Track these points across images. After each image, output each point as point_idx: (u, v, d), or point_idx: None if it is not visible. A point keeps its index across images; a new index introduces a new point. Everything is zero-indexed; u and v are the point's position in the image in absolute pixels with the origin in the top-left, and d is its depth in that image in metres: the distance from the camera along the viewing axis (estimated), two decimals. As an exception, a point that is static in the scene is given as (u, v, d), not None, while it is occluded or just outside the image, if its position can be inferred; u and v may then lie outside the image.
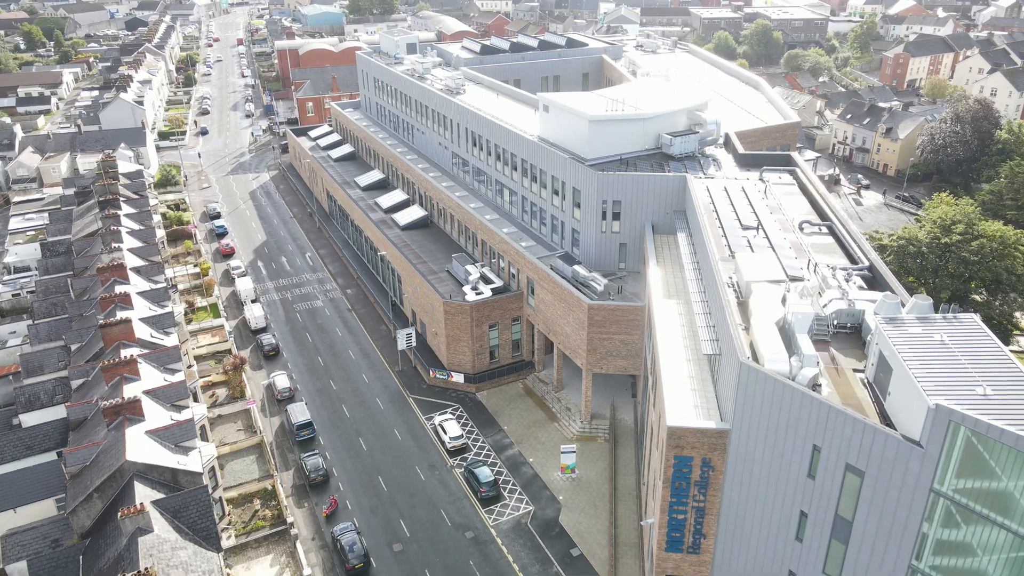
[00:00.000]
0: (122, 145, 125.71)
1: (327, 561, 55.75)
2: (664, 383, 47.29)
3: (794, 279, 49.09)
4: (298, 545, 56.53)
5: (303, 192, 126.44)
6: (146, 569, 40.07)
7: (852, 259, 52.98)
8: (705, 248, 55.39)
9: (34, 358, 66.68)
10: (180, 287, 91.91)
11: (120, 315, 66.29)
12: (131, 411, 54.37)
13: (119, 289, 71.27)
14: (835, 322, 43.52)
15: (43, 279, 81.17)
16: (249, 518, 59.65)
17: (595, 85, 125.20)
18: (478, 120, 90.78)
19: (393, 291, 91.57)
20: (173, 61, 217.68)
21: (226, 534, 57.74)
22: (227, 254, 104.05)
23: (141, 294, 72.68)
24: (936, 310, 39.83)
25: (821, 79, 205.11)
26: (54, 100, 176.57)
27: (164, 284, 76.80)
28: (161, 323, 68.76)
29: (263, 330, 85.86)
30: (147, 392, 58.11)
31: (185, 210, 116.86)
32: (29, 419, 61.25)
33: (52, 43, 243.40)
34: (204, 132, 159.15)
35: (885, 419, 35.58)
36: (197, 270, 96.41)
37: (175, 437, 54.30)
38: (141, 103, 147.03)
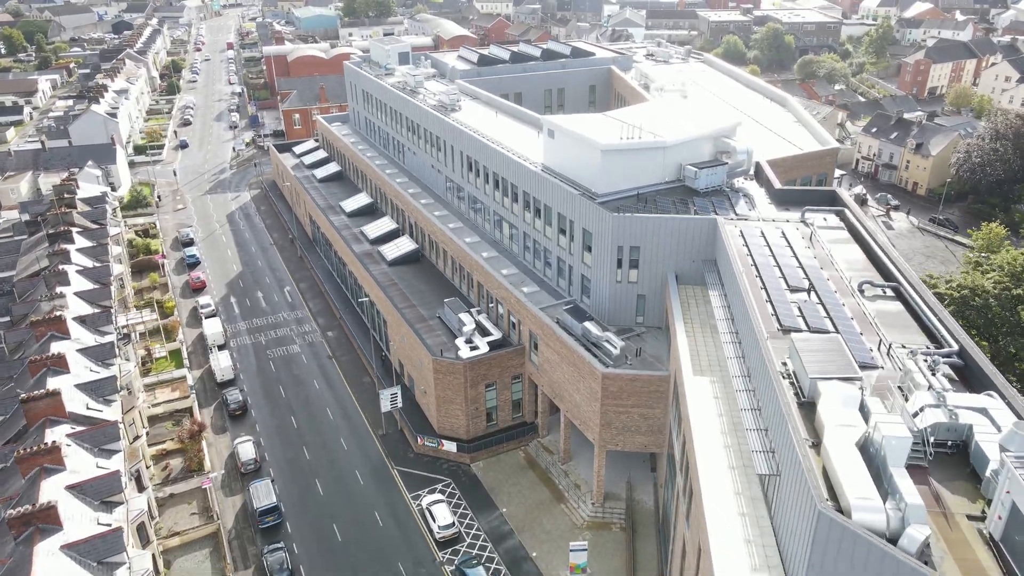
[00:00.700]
0: (89, 163, 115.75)
1: None
2: (706, 509, 37.23)
3: (865, 367, 39.08)
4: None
5: (285, 214, 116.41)
6: None
7: (931, 335, 42.96)
8: (746, 314, 45.38)
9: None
10: (142, 328, 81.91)
11: (51, 383, 56.38)
12: (45, 519, 44.39)
13: (55, 348, 61.31)
14: (932, 439, 33.53)
15: (-24, 328, 71.32)
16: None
17: (602, 99, 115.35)
18: (474, 143, 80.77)
19: (379, 334, 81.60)
20: (157, 67, 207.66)
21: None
22: (197, 288, 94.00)
23: (83, 351, 62.70)
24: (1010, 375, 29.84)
25: (837, 87, 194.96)
26: (27, 110, 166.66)
27: (113, 336, 66.80)
28: (101, 389, 58.76)
29: (231, 383, 75.83)
30: (71, 487, 48.17)
31: (155, 236, 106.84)
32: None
33: (34, 47, 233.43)
34: (184, 145, 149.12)
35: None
36: (158, 315, 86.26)
37: (98, 552, 44.31)
38: (115, 115, 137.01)
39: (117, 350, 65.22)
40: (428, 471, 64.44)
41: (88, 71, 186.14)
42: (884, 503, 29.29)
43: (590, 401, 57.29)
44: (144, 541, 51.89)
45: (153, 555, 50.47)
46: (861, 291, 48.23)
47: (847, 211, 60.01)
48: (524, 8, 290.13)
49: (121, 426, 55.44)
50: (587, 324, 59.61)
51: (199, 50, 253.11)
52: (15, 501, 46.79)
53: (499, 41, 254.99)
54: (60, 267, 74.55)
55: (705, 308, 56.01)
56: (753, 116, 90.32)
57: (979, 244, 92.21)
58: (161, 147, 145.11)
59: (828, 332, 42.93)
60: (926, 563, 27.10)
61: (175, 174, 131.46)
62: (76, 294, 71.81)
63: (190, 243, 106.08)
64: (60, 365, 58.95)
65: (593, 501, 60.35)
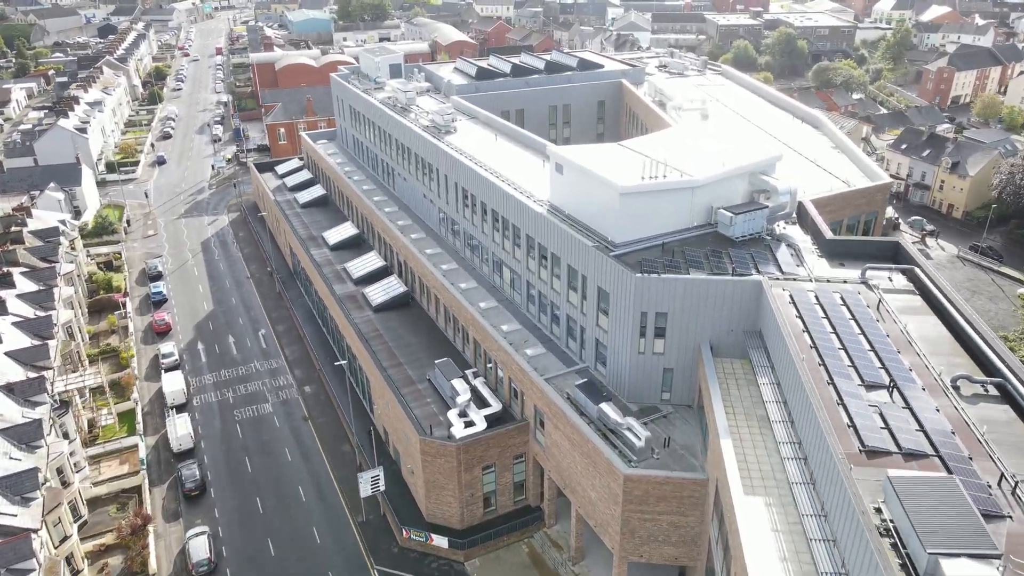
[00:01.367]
0: (52, 185, 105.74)
1: None
2: None
3: (989, 516, 29.11)
4: None
5: (266, 242, 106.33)
6: None
7: (1060, 460, 32.99)
8: (814, 425, 35.51)
9: None
10: (93, 382, 71.77)
11: (-47, 483, 46.40)
12: None
13: (-33, 431, 51.30)
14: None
15: None
16: None
17: (612, 115, 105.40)
18: (470, 174, 70.77)
19: (362, 391, 71.62)
20: (140, 75, 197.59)
21: None
22: (161, 332, 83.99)
23: (4, 432, 52.72)
24: None
25: (856, 96, 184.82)
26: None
27: (46, 408, 56.81)
28: (19, 486, 48.77)
29: (189, 453, 65.80)
30: (-42, 636, 38.21)
31: (119, 268, 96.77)
32: None
33: (14, 53, 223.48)
34: (161, 162, 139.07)
35: None
36: (110, 369, 76.21)
37: None
38: (85, 130, 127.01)
39: (49, 426, 55.23)
40: (415, 570, 54.42)
41: (66, 79, 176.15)
42: None
43: (608, 503, 47.26)
44: None
45: None
46: (956, 388, 38.23)
47: (918, 269, 49.97)
48: (525, 11, 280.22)
49: (37, 539, 45.39)
50: (604, 407, 49.56)
51: (187, 55, 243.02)
52: None
53: (499, 46, 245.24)
54: (-8, 320, 64.61)
55: (749, 390, 46.03)
56: (783, 140, 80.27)
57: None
58: (136, 164, 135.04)
59: (926, 456, 32.99)
60: None
61: (147, 196, 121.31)
62: (8, 354, 61.83)
63: (158, 277, 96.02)
64: (-31, 456, 49.03)
65: (611, 618, 50.42)
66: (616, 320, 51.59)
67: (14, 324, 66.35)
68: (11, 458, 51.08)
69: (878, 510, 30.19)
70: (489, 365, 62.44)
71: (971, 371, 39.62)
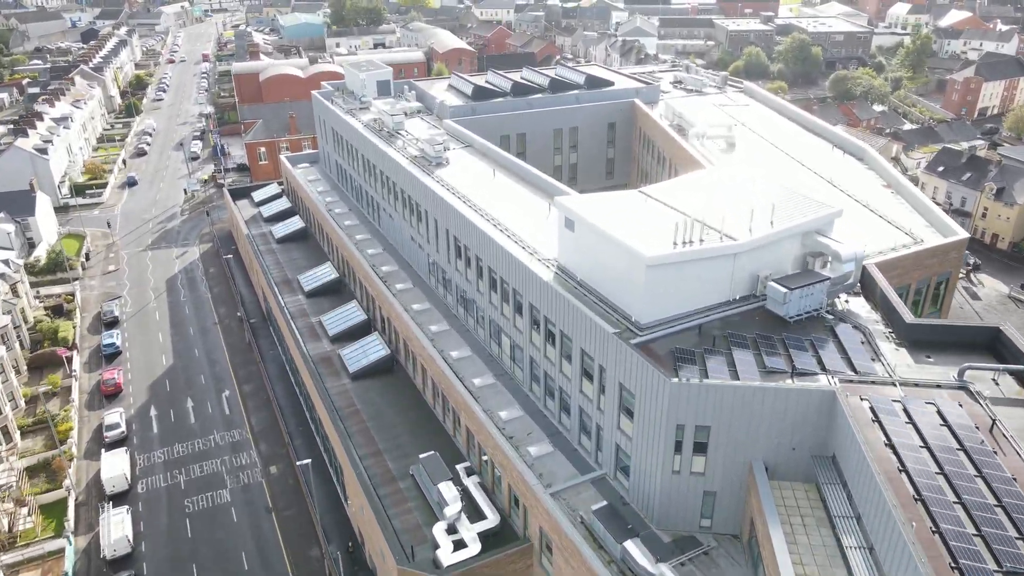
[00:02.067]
0: (1, 215, 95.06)
1: None
2: None
3: None
4: None
5: (239, 278, 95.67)
6: None
7: None
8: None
9: None
10: (6, 481, 61.16)
11: None
12: None
13: None
14: None
15: None
16: None
17: (624, 139, 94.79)
18: (461, 223, 60.10)
19: (336, 476, 60.97)
20: (118, 84, 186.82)
21: None
22: (110, 394, 73.32)
23: None
24: None
25: (878, 107, 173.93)
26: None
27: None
28: None
29: (125, 560, 55.08)
30: None
31: (71, 312, 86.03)
32: None
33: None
34: (131, 183, 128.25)
35: None
36: (35, 451, 65.56)
37: None
38: (46, 151, 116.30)
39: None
40: None
41: (38, 90, 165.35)
42: None
43: None
44: None
45: None
46: None
47: (1031, 371, 39.30)
48: (526, 15, 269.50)
49: None
50: (630, 546, 38.84)
51: (172, 62, 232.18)
52: None
53: (499, 52, 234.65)
54: None
55: (819, 532, 35.40)
56: (825, 175, 69.58)
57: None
58: (104, 186, 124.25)
59: None
60: None
61: (109, 225, 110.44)
62: (-97, 447, 51.14)
63: (113, 323, 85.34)
64: None
65: None
66: (644, 428, 40.85)
67: (-81, 403, 55.73)
68: None
69: None
70: (484, 458, 51.75)
71: None
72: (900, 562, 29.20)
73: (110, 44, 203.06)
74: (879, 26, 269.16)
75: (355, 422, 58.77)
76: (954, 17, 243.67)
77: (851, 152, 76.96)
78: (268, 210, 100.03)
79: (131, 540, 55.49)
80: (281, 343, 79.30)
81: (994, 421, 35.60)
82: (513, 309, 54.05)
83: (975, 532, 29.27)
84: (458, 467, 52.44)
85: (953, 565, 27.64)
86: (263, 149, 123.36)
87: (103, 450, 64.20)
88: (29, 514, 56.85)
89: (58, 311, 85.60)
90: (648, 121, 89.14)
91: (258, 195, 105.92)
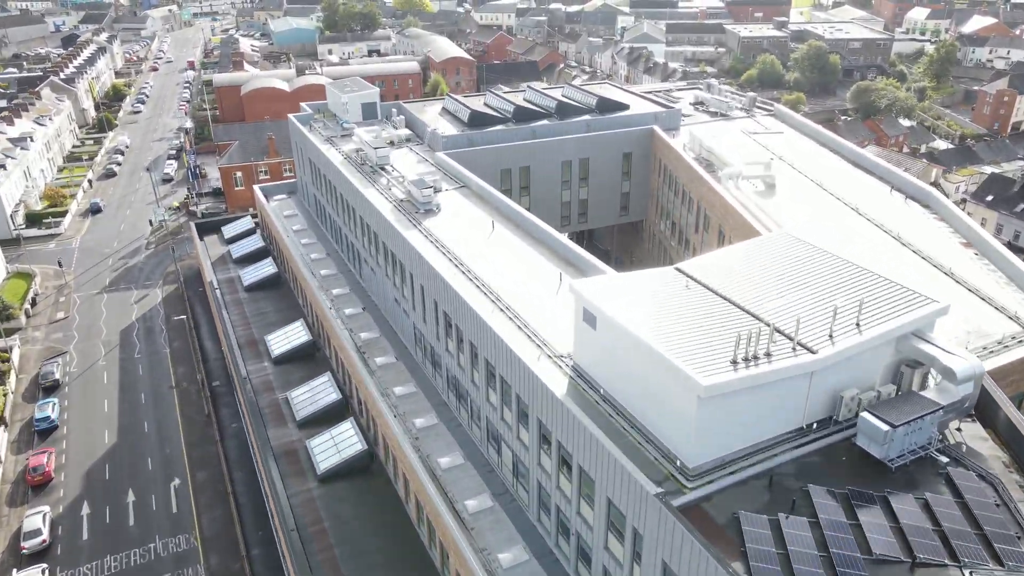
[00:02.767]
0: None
1: None
2: None
3: None
4: None
5: (203, 329, 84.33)
6: None
7: None
8: None
9: None
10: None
11: None
12: None
13: None
14: None
15: None
16: None
17: (641, 171, 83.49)
18: (452, 298, 48.65)
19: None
20: (94, 96, 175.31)
21: None
22: (37, 485, 61.90)
23: None
24: None
25: (905, 122, 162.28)
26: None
27: None
28: None
29: None
30: None
31: (5, 375, 74.60)
32: None
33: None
34: (95, 210, 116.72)
35: None
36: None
37: None
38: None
39: None
40: None
41: (5, 103, 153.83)
42: None
43: None
44: None
45: None
46: None
47: None
48: (528, 20, 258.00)
49: None
50: None
51: (155, 69, 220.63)
52: None
53: (499, 60, 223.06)
54: None
55: None
56: (886, 224, 58.20)
57: None
58: (64, 213, 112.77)
59: None
60: None
61: (61, 264, 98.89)
62: None
63: (53, 388, 73.96)
64: None
65: None
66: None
67: None
68: None
69: None
70: (482, 617, 40.32)
71: None
72: None
73: (87, 52, 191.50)
74: (896, 31, 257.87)
75: (320, 546, 47.37)
76: (978, 23, 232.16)
77: (913, 196, 65.40)
78: (239, 249, 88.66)
79: None
80: (244, 416, 67.94)
81: None
82: (516, 417, 42.63)
83: None
84: (446, 624, 41.19)
85: None
86: (239, 173, 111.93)
87: (15, 570, 52.69)
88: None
89: (-12, 374, 74.21)
90: (669, 153, 77.77)
91: (229, 230, 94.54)
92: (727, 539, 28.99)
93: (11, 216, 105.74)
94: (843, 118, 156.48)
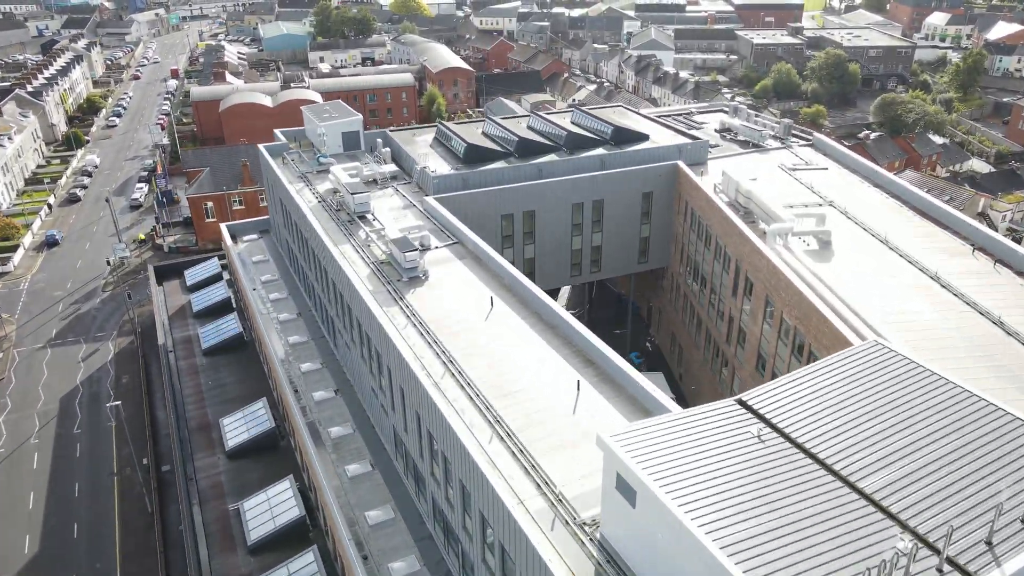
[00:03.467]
0: None
1: None
2: None
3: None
4: None
5: (159, 395, 73.01)
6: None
7: None
8: None
9: None
10: None
11: None
12: None
13: None
14: None
15: None
16: None
17: (663, 212, 72.36)
18: (439, 421, 37.23)
19: None
20: (66, 109, 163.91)
21: None
22: (-68, 616, 50.65)
23: None
24: None
25: (936, 138, 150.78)
26: None
27: None
28: None
29: None
30: None
31: (-82, 458, 63.23)
32: None
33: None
34: (51, 243, 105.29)
35: None
36: None
37: None
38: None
39: None
40: None
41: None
42: None
43: None
44: None
45: None
46: None
47: None
48: (530, 25, 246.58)
49: None
50: None
51: (137, 78, 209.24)
52: None
53: (500, 68, 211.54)
54: None
55: None
56: (980, 304, 46.85)
57: None
58: (15, 248, 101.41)
59: None
60: None
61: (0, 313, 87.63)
62: None
63: (-30, 476, 62.67)
64: None
65: None
66: None
67: None
68: None
69: None
70: None
71: None
72: None
73: (63, 60, 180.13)
74: (913, 37, 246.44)
75: None
76: (1003, 30, 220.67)
77: (1002, 259, 53.94)
78: (201, 300, 77.41)
79: None
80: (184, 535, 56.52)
81: None
82: (522, 602, 31.35)
83: None
84: None
85: None
86: (210, 204, 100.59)
87: None
88: None
89: (-102, 457, 62.84)
90: (698, 195, 66.46)
91: (192, 274, 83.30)
92: None
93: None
94: (870, 135, 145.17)
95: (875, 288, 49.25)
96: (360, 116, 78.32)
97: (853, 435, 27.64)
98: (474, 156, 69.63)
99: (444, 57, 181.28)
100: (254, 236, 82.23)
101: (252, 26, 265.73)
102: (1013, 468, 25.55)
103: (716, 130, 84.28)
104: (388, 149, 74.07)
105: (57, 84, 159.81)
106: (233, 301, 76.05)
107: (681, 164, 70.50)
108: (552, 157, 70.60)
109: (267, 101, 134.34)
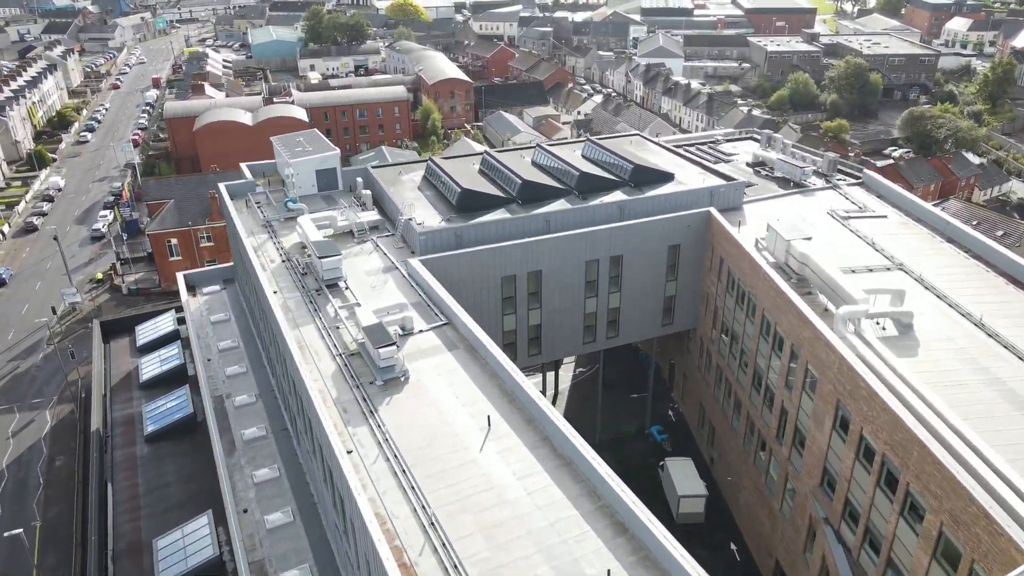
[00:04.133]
0: None
1: None
2: None
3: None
4: None
5: (92, 485, 61.84)
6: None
7: None
8: None
9: None
10: None
11: None
12: None
13: None
14: None
15: None
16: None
17: (692, 267, 61.46)
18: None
19: None
20: (35, 122, 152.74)
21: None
22: None
23: None
24: None
25: (972, 157, 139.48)
26: None
27: None
28: None
29: None
30: None
31: None
32: None
33: None
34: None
35: None
36: None
37: None
38: None
39: None
40: None
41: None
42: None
43: None
44: None
45: None
46: None
47: None
48: (532, 31, 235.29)
49: None
50: None
51: (116, 87, 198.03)
52: None
53: (500, 77, 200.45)
54: None
55: None
56: None
57: None
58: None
59: None
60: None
61: (-76, 377, 76.55)
62: None
63: None
64: None
65: None
66: None
67: None
68: None
69: None
70: None
71: None
72: None
73: (34, 69, 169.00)
74: (934, 43, 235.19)
75: None
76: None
77: None
78: (150, 367, 66.19)
79: None
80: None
81: None
82: None
83: None
84: None
85: None
86: (174, 241, 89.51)
87: None
88: None
89: None
90: (736, 252, 55.38)
91: (144, 332, 72.09)
92: None
93: None
94: (900, 153, 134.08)
95: (985, 402, 38.20)
96: (338, 151, 67.28)
97: None
98: (470, 203, 58.68)
99: (441, 67, 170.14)
100: (216, 287, 71.05)
101: (242, 31, 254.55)
102: None
103: (748, 164, 73.35)
104: (369, 192, 63.13)
105: (25, 97, 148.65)
106: (188, 368, 64.91)
107: (714, 212, 59.50)
108: (562, 204, 59.65)
109: (246, 119, 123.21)
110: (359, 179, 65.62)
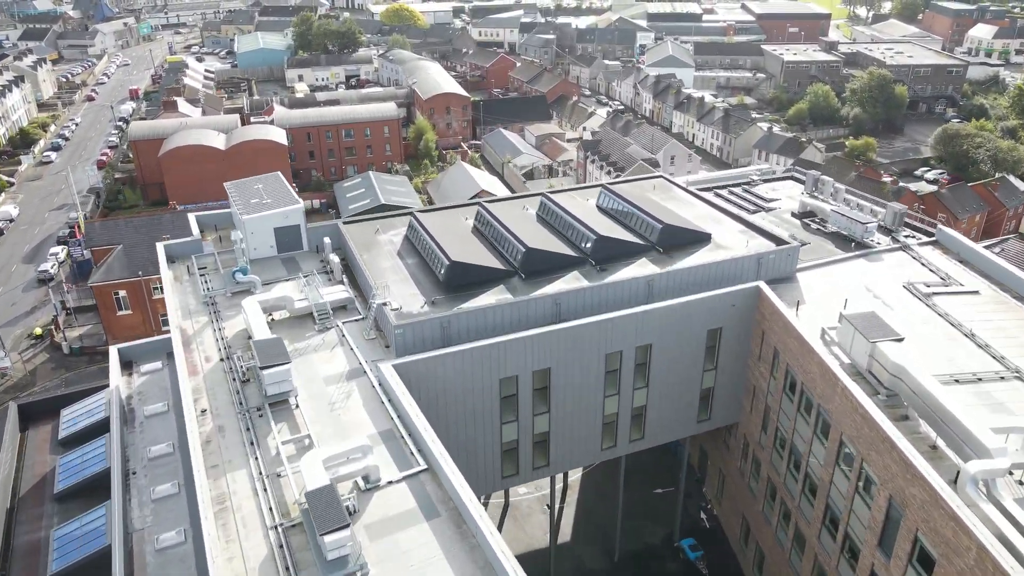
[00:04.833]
0: None
1: None
2: None
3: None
4: None
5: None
6: None
7: None
8: None
9: None
10: None
11: None
12: None
13: None
14: None
15: None
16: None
17: (734, 354, 49.10)
18: None
19: None
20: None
21: None
22: None
23: None
24: None
25: (1017, 182, 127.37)
26: None
27: None
28: None
29: None
30: None
31: None
32: None
33: None
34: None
35: None
36: None
37: None
38: None
39: None
40: None
41: None
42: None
43: None
44: None
45: None
46: None
47: None
48: (534, 39, 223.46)
49: None
50: None
51: (92, 99, 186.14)
52: None
53: (500, 88, 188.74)
54: None
55: None
56: None
57: None
58: None
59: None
60: None
61: None
62: None
63: None
64: None
65: None
66: None
67: None
68: None
69: None
70: None
71: None
72: None
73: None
74: (956, 51, 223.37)
75: None
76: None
77: None
78: (69, 471, 53.74)
79: None
80: None
81: None
82: None
83: None
84: None
85: None
86: (123, 293, 77.61)
87: None
88: None
89: None
90: (798, 348, 43.41)
91: (71, 419, 59.98)
92: None
93: None
94: (935, 175, 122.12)
95: None
96: (301, 205, 55.33)
97: None
98: (461, 278, 46.85)
99: (436, 80, 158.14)
100: (158, 364, 58.86)
101: (229, 37, 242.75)
102: None
103: (795, 214, 61.56)
104: (337, 257, 51.34)
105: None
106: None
107: (763, 288, 47.65)
108: (575, 278, 47.86)
109: (219, 141, 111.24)
110: (327, 239, 53.84)
